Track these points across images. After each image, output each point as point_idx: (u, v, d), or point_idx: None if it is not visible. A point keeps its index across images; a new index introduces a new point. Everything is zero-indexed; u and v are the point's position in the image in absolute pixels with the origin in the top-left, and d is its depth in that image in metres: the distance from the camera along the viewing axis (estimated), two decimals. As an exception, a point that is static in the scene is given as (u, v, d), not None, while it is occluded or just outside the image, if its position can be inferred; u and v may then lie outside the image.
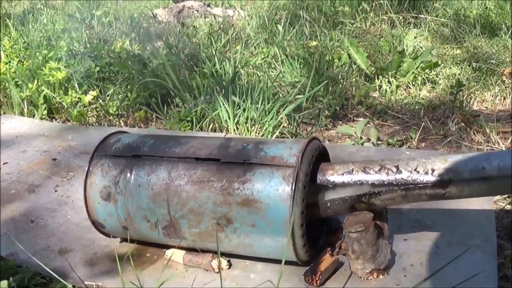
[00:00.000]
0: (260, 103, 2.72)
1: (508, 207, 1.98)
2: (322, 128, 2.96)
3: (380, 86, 3.44)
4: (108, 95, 3.63)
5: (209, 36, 4.11)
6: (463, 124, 2.74)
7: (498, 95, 3.22)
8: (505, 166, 1.45)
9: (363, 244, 1.53)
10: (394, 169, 1.52)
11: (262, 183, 1.57)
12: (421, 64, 3.49)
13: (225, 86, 3.02)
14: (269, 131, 2.66)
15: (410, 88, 3.42)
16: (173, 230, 1.67)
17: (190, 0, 7.09)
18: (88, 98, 3.55)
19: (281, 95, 3.01)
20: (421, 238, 1.77)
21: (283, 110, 2.76)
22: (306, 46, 3.92)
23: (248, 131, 2.70)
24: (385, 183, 1.52)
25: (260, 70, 3.47)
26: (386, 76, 3.41)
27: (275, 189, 1.54)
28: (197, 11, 6.77)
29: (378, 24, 4.65)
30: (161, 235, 1.62)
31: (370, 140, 2.59)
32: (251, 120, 2.72)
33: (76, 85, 3.69)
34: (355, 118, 3.08)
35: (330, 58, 3.79)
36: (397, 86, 3.43)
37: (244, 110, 2.74)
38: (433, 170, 1.48)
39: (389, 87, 3.31)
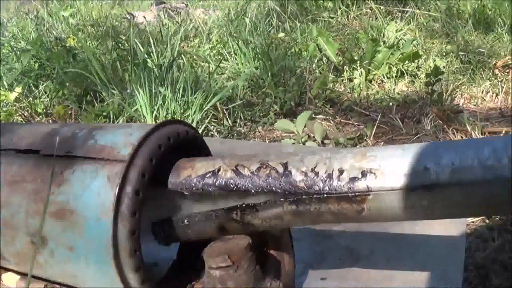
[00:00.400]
0: (179, 93, 2.12)
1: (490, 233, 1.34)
2: (271, 127, 2.35)
3: (351, 80, 2.82)
4: (39, 92, 3.08)
5: (160, 30, 3.52)
6: (440, 121, 2.10)
7: (489, 91, 2.58)
8: (462, 165, 0.83)
9: (231, 290, 0.90)
10: (280, 169, 0.90)
11: (81, 185, 0.98)
12: (400, 56, 2.86)
13: (155, 77, 2.42)
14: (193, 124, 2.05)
15: (384, 81, 2.79)
16: None
17: (173, 2, 6.59)
18: (13, 95, 3.01)
19: (216, 86, 2.40)
20: (347, 277, 1.15)
21: (212, 101, 2.15)
22: (270, 37, 3.31)
23: (167, 127, 2.09)
24: (265, 191, 0.89)
25: (203, 60, 2.88)
26: (356, 68, 2.78)
27: (96, 194, 0.94)
28: (179, 12, 6.24)
29: (360, 18, 4.03)
30: None
31: (315, 138, 1.96)
32: (173, 114, 2.12)
33: (5, 82, 3.17)
34: (313, 116, 2.44)
35: (297, 50, 3.18)
36: (370, 80, 2.80)
37: (163, 101, 2.13)
38: (341, 172, 0.86)
39: (359, 80, 2.68)
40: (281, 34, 3.47)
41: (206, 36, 3.64)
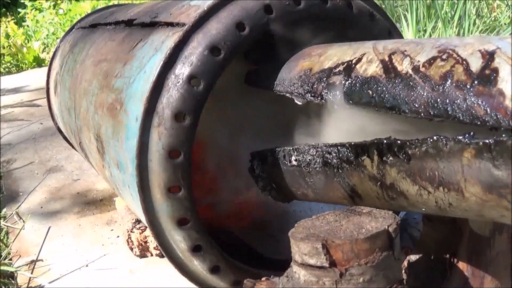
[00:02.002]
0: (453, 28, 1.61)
1: None
2: None
3: None
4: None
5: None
6: None
7: None
8: None
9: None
10: (477, 62, 0.39)
11: (139, 64, 0.66)
12: None
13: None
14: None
15: None
16: (81, 149, 0.98)
17: None
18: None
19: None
20: None
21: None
22: None
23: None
24: (432, 112, 0.40)
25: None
26: None
27: (145, 79, 0.61)
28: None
29: None
30: (83, 155, 1.04)
31: None
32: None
33: None
34: None
35: None
36: None
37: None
38: None
39: None
40: None
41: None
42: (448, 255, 0.56)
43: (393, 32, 0.67)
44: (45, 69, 2.79)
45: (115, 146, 0.66)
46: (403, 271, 0.66)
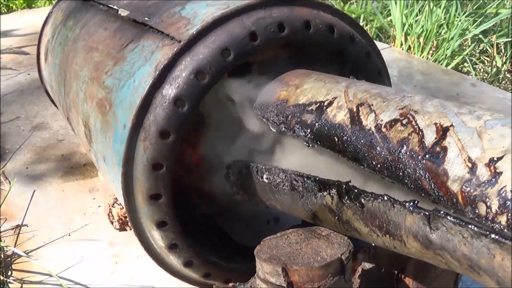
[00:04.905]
0: (440, 11, 1.62)
1: None
2: None
3: None
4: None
5: None
6: None
7: None
8: None
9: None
10: (430, 137, 0.44)
11: (130, 70, 0.69)
12: None
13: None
14: (446, 54, 1.56)
15: None
16: (69, 122, 1.01)
17: None
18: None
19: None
20: None
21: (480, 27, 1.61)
22: None
23: (418, 48, 1.64)
24: (386, 173, 0.45)
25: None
26: None
27: (134, 88, 0.64)
28: None
29: None
30: (70, 126, 1.05)
31: None
32: (427, 33, 1.65)
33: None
34: None
35: None
36: None
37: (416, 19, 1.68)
38: None
39: None
40: None
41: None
42: (396, 270, 0.63)
43: (382, 73, 0.71)
44: (36, 11, 2.69)
45: (103, 143, 0.70)
46: (357, 276, 0.73)
